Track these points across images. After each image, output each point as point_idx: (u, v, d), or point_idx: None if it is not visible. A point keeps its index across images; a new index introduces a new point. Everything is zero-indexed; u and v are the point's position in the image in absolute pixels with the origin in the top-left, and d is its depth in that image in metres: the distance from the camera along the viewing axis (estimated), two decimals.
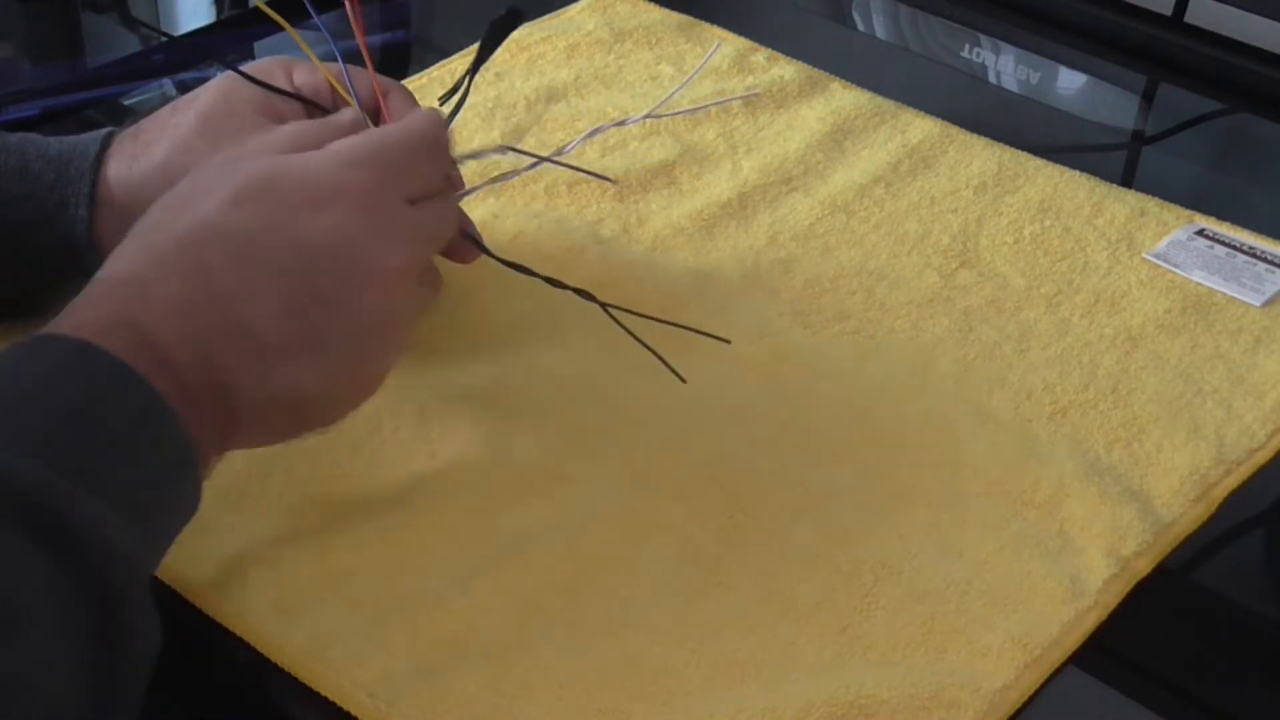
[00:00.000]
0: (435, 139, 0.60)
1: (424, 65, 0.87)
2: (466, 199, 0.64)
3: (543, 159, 0.65)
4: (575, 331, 0.67)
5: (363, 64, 0.65)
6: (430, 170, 0.60)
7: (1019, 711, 0.54)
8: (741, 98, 0.81)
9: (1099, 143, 0.91)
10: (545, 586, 0.57)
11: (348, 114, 0.61)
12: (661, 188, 0.79)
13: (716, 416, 0.65)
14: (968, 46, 0.97)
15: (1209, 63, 0.92)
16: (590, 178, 0.71)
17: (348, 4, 0.64)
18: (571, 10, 0.95)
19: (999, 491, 0.62)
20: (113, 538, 0.46)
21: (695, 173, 0.80)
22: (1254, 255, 0.76)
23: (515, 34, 0.92)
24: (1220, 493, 0.63)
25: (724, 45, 0.91)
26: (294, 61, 0.67)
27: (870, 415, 0.66)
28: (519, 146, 0.65)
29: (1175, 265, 0.76)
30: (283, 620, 0.55)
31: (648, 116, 0.72)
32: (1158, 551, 0.60)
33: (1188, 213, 0.80)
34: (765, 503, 0.61)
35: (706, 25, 0.93)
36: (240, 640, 0.55)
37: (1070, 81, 0.96)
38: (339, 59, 0.65)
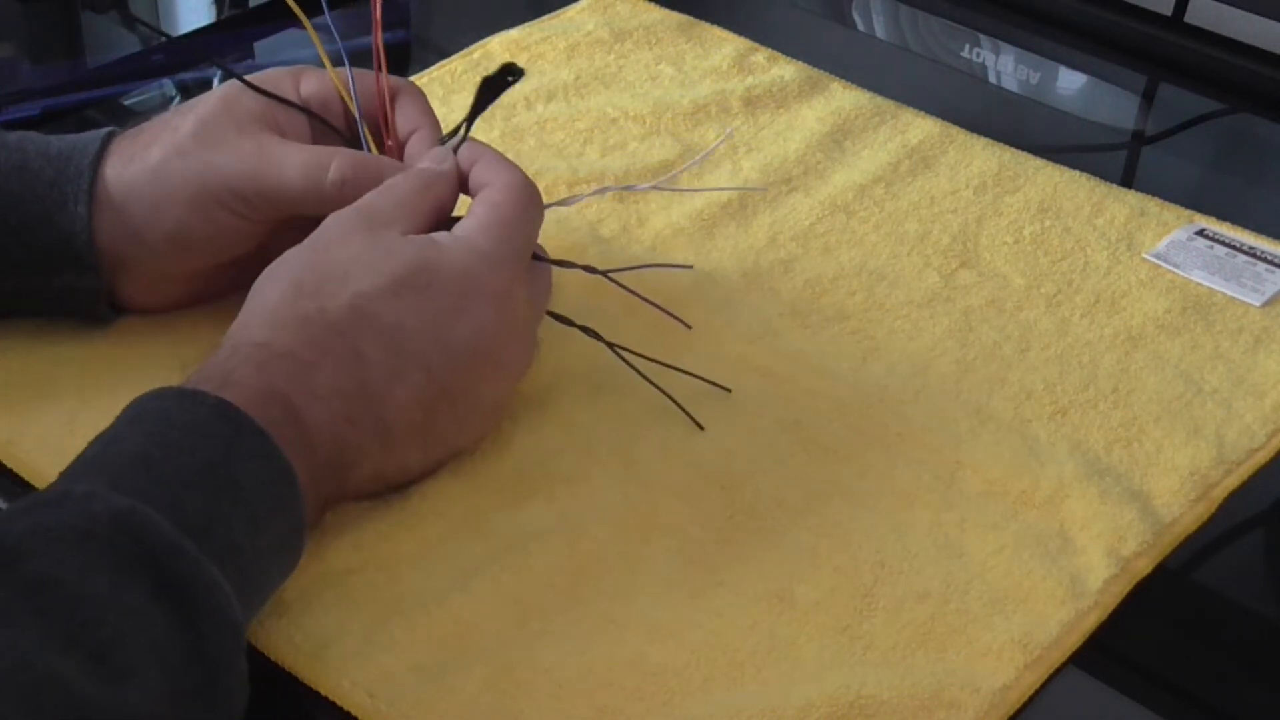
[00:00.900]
0: (539, 207, 0.63)
1: (424, 65, 0.87)
2: None
3: (617, 272, 0.66)
4: (576, 332, 0.67)
5: (369, 62, 0.65)
6: (538, 229, 0.63)
7: (1019, 711, 0.54)
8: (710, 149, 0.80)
9: (1099, 143, 0.91)
10: (545, 586, 0.57)
11: (446, 163, 0.62)
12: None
13: (716, 416, 0.65)
14: (968, 46, 0.97)
15: (1209, 63, 0.92)
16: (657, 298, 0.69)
17: (373, 3, 0.64)
18: (571, 10, 0.95)
19: (999, 491, 0.62)
20: (225, 605, 0.48)
21: (695, 173, 0.80)
22: (1254, 255, 0.76)
23: (515, 34, 0.92)
24: (1220, 493, 0.63)
25: (724, 46, 0.91)
26: (301, 71, 0.66)
27: (870, 415, 0.66)
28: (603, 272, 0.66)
29: (1175, 265, 0.76)
30: (283, 620, 0.55)
31: (654, 188, 0.73)
32: (1158, 551, 0.60)
33: (1188, 213, 0.80)
34: (765, 503, 0.61)
35: (706, 25, 0.93)
36: None
37: (1070, 81, 0.96)
38: (345, 59, 0.65)
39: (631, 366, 0.64)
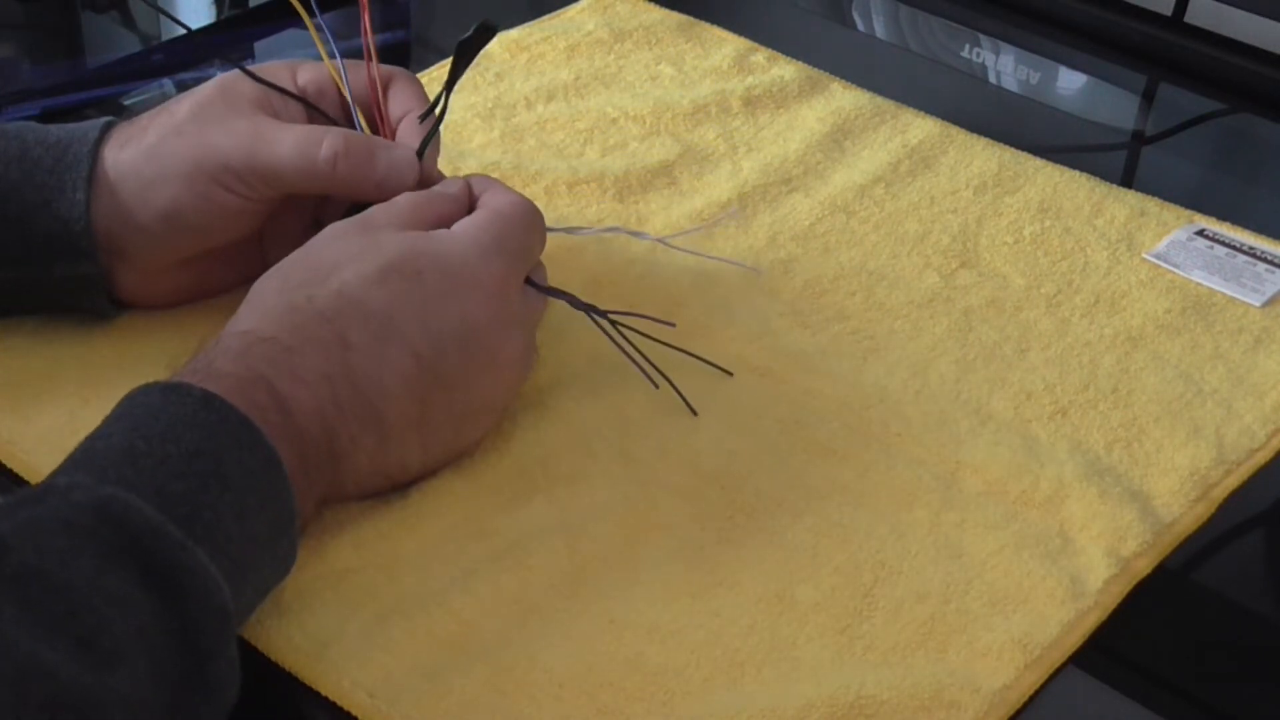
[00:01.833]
0: (541, 227, 0.63)
1: (424, 65, 0.87)
2: None
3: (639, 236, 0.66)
4: (576, 330, 0.67)
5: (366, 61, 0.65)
6: (538, 249, 0.63)
7: (1019, 711, 0.54)
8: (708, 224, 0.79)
9: (1099, 143, 0.91)
10: (545, 586, 0.57)
11: (454, 185, 0.63)
12: (661, 188, 0.79)
13: (716, 416, 0.65)
14: (968, 46, 0.97)
15: (1209, 63, 0.92)
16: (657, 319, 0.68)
17: (361, 3, 0.65)
18: (571, 10, 0.95)
19: (999, 491, 0.62)
20: (213, 589, 0.48)
21: (695, 173, 0.80)
22: (1254, 255, 0.76)
23: (515, 34, 0.92)
24: (1220, 493, 0.63)
25: (724, 46, 0.91)
26: (299, 63, 0.67)
27: (870, 415, 0.66)
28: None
29: (1175, 265, 0.76)
30: (283, 620, 0.55)
31: (661, 240, 0.73)
32: (1158, 552, 0.60)
33: (1188, 213, 0.80)
34: (765, 503, 0.61)
35: (706, 25, 0.93)
36: (240, 640, 0.55)
37: (1070, 81, 0.96)
38: (337, 56, 0.66)
39: (628, 343, 0.64)
